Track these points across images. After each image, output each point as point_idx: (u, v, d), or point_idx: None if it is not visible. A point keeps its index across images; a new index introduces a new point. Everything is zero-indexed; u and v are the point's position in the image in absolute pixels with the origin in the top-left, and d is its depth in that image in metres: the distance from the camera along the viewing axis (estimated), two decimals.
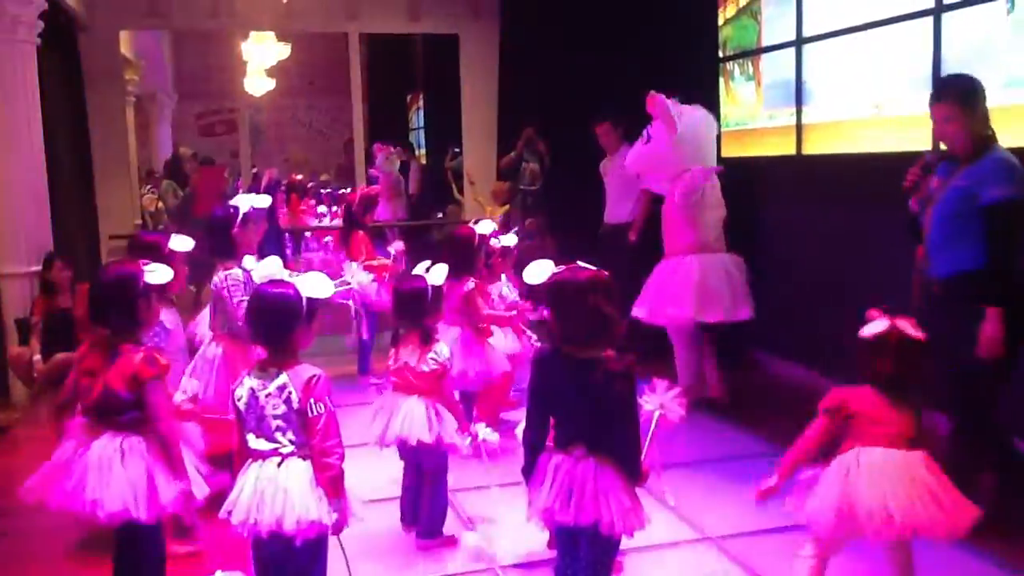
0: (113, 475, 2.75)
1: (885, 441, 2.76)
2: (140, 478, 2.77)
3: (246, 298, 3.49)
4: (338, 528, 2.66)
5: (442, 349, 3.59)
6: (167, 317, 3.53)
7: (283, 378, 2.62)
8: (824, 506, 2.74)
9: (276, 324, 2.67)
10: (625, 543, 2.69)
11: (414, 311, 3.61)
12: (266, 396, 2.63)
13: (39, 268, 6.16)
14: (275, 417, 2.62)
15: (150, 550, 2.93)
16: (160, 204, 9.82)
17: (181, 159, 9.04)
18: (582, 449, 2.54)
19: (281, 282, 2.73)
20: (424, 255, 5.35)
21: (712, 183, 5.33)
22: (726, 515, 3.81)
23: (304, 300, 2.67)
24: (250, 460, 2.67)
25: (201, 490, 2.96)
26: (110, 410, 2.83)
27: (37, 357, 5.91)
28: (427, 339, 3.56)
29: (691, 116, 5.29)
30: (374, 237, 6.66)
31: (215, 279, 4.12)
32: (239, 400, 2.68)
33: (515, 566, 3.44)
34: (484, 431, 3.64)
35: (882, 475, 2.69)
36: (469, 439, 3.59)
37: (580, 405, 2.56)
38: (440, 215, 10.63)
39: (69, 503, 2.77)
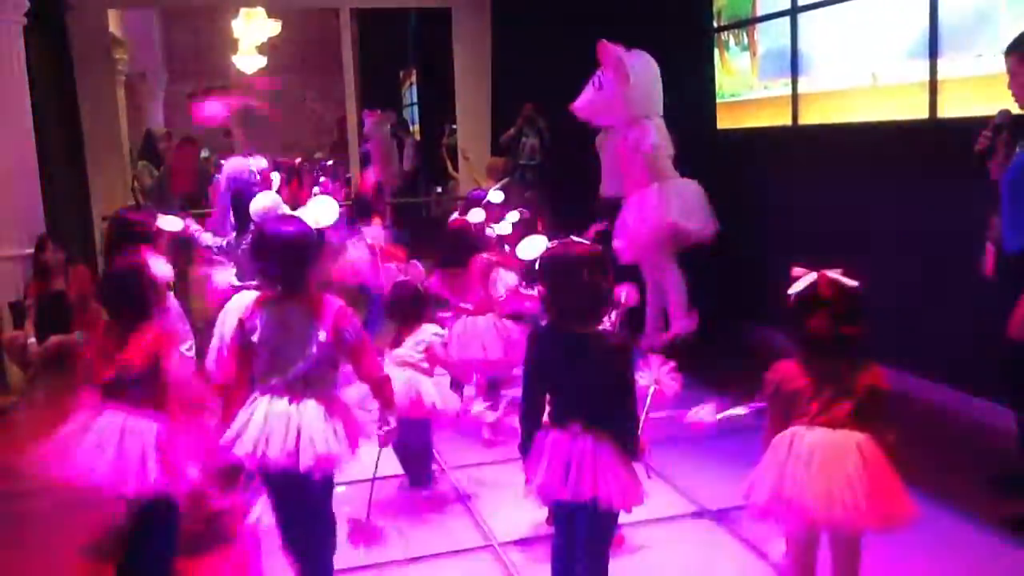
0: (121, 450, 2.77)
1: (820, 419, 2.47)
2: (149, 453, 2.79)
3: None
4: (389, 438, 2.79)
5: (434, 330, 3.79)
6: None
7: (309, 310, 2.61)
8: (758, 489, 2.52)
9: (294, 260, 2.65)
10: (624, 517, 2.68)
11: (411, 313, 3.78)
12: (286, 330, 2.61)
13: (31, 251, 6.13)
14: (292, 352, 2.60)
15: (162, 527, 2.95)
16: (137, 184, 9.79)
17: (155, 138, 8.96)
18: (579, 425, 2.52)
19: (288, 218, 2.71)
20: (420, 231, 5.32)
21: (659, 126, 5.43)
22: (724, 489, 3.80)
23: (315, 232, 2.69)
24: (258, 393, 2.64)
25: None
26: (123, 387, 2.86)
27: (32, 340, 5.89)
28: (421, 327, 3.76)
29: (641, 64, 5.34)
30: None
31: None
32: (253, 332, 2.64)
33: (514, 543, 3.44)
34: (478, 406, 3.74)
35: (810, 460, 2.42)
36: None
37: (577, 381, 2.55)
38: (439, 190, 10.59)
39: (76, 478, 2.79)
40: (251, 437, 2.57)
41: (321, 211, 2.68)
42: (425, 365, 3.72)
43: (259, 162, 4.56)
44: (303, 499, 2.70)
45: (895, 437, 2.49)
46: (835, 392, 2.49)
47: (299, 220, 2.69)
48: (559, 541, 2.71)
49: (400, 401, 3.49)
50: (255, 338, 2.64)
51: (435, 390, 3.70)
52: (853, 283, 2.53)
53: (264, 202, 2.79)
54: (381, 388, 2.80)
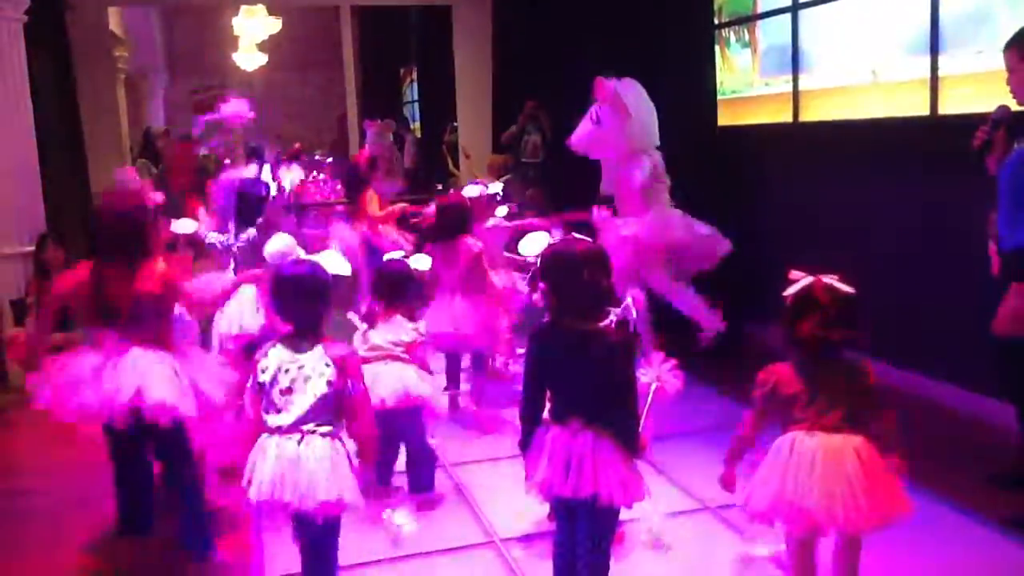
0: (156, 376, 2.91)
1: (818, 424, 2.52)
2: (177, 377, 2.95)
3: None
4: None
5: (421, 326, 3.79)
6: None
7: (318, 355, 2.64)
8: (758, 493, 2.56)
9: (310, 304, 2.69)
10: (626, 513, 2.69)
11: (396, 294, 3.74)
12: (298, 369, 2.63)
13: (32, 249, 6.13)
14: (302, 393, 2.62)
15: (185, 446, 3.14)
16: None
17: (153, 136, 8.99)
18: (580, 422, 2.53)
19: (307, 261, 2.76)
20: (420, 228, 5.32)
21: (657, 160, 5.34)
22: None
23: (330, 278, 2.71)
24: (266, 435, 2.65)
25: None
26: (142, 319, 2.99)
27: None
28: (411, 318, 3.73)
29: (635, 96, 5.27)
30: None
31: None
32: (263, 372, 2.67)
33: (515, 539, 3.44)
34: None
35: (812, 464, 2.46)
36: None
37: (578, 378, 2.55)
38: (439, 187, 10.58)
39: (101, 410, 2.90)
40: (265, 483, 2.59)
41: (332, 262, 2.74)
42: (406, 356, 3.71)
43: (248, 172, 4.59)
44: (306, 534, 2.75)
45: (895, 425, 2.54)
46: (829, 397, 2.54)
47: (313, 263, 2.73)
48: (561, 537, 2.71)
49: (388, 394, 3.54)
50: (266, 376, 2.66)
51: (422, 381, 3.68)
52: (848, 289, 2.56)
53: (279, 244, 2.85)
54: (367, 446, 2.72)
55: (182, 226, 3.68)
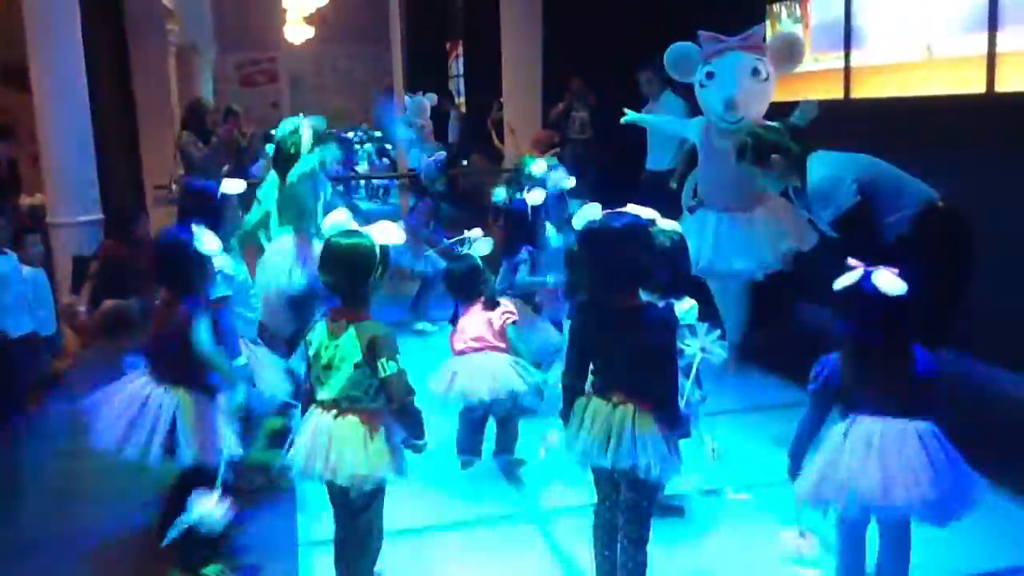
0: (180, 424, 2.89)
1: (875, 407, 2.50)
2: (203, 427, 2.92)
3: None
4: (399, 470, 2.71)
5: (507, 304, 3.76)
6: (227, 264, 3.57)
7: (352, 332, 2.64)
8: (807, 473, 2.58)
9: (350, 274, 2.67)
10: (673, 489, 2.68)
11: (470, 289, 3.74)
12: (335, 347, 2.66)
13: (87, 218, 6.27)
14: (339, 369, 2.65)
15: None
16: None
17: (204, 110, 8.74)
18: (621, 395, 2.54)
19: (354, 232, 2.70)
20: (458, 202, 5.18)
21: None
22: (771, 463, 3.78)
23: (378, 249, 2.65)
24: (313, 406, 2.72)
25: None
26: (167, 361, 2.97)
27: (82, 309, 6.04)
28: (493, 305, 3.71)
29: None
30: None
31: None
32: (310, 345, 2.72)
33: (555, 509, 3.48)
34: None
35: (868, 446, 2.46)
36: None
37: (619, 352, 2.56)
38: (464, 163, 10.52)
39: (138, 451, 2.90)
40: (302, 453, 2.67)
41: (387, 232, 2.68)
42: (502, 345, 3.69)
43: None
44: (345, 506, 2.77)
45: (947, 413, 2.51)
46: (879, 387, 2.51)
47: (363, 235, 2.66)
48: (600, 508, 2.73)
49: (480, 386, 3.55)
50: (311, 351, 2.71)
51: (513, 370, 3.62)
52: (901, 284, 2.45)
53: (337, 218, 2.82)
54: (406, 414, 2.67)
55: (230, 187, 3.62)
